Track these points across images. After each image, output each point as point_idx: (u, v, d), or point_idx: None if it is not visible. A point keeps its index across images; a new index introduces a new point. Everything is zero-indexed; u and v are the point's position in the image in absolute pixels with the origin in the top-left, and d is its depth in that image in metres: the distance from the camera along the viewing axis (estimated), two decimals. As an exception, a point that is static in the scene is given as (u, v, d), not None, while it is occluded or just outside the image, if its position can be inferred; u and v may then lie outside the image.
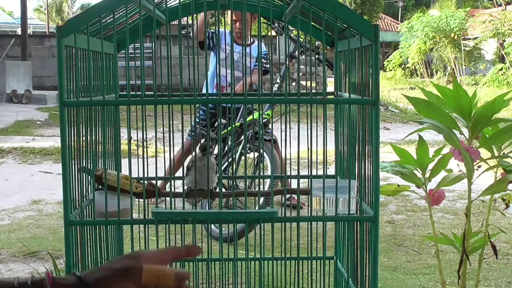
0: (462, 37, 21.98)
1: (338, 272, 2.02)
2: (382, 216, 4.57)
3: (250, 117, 3.71)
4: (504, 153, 1.92)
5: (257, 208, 3.64)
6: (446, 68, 23.15)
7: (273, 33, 4.02)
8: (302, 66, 3.29)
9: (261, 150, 3.65)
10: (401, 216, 4.72)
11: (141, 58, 1.64)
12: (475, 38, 22.12)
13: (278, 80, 3.95)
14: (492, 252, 1.99)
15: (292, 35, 3.78)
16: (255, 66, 4.25)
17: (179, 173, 2.50)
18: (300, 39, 1.83)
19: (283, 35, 2.87)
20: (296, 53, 3.29)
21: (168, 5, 1.87)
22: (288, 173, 1.96)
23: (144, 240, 1.79)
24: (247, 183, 1.92)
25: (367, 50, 1.61)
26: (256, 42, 4.27)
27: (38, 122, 10.32)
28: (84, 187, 1.68)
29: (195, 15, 2.12)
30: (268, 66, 4.27)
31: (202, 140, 4.21)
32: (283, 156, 3.18)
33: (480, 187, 1.94)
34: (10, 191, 5.40)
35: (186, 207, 2.13)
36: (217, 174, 1.87)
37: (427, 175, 1.94)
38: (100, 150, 1.78)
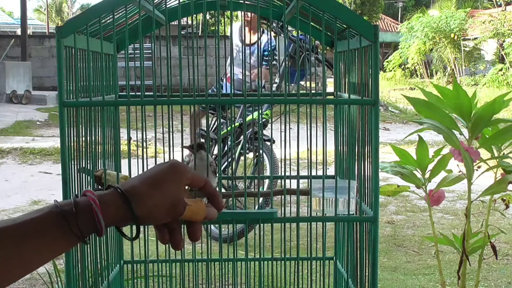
0: (462, 38, 22.00)
1: (338, 273, 2.02)
2: (382, 217, 4.57)
3: (250, 117, 3.71)
4: (504, 153, 1.91)
5: (256, 208, 3.64)
6: (446, 69, 23.16)
7: (272, 33, 4.02)
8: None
9: (260, 151, 3.65)
10: (401, 216, 4.72)
11: (141, 58, 1.64)
12: (475, 38, 22.13)
13: (277, 80, 3.95)
14: (492, 252, 1.99)
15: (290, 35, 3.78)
16: (266, 62, 4.24)
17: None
18: (300, 35, 1.83)
19: (282, 35, 2.86)
20: (296, 53, 3.29)
21: (167, 6, 1.87)
22: (288, 173, 1.96)
23: (144, 240, 1.79)
24: (247, 183, 1.92)
25: (366, 50, 1.61)
26: (264, 37, 4.25)
27: (38, 123, 10.32)
28: (84, 187, 1.68)
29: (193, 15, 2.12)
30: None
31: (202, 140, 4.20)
32: (279, 156, 3.18)
33: (480, 188, 1.94)
34: (10, 191, 5.40)
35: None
36: (217, 175, 1.86)
37: (427, 175, 1.94)
38: (99, 150, 1.77)
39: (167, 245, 1.89)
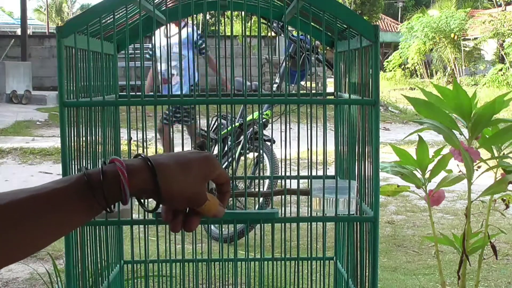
0: (462, 38, 22.00)
1: (338, 273, 2.02)
2: (382, 217, 4.57)
3: (250, 117, 3.71)
4: (504, 153, 1.92)
5: (257, 208, 3.65)
6: (446, 69, 23.16)
7: (273, 33, 4.02)
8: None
9: (261, 151, 3.65)
10: (401, 216, 4.72)
11: (141, 58, 1.64)
12: (475, 38, 22.14)
13: (277, 80, 3.95)
14: (492, 252, 1.99)
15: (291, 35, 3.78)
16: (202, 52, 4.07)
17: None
18: (300, 35, 1.83)
19: (282, 35, 2.86)
20: (296, 53, 3.29)
21: (168, 6, 1.87)
22: (288, 173, 1.96)
23: (144, 240, 1.79)
24: (247, 183, 1.92)
25: (367, 50, 1.61)
26: (185, 30, 3.94)
27: (38, 123, 10.32)
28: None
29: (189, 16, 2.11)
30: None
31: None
32: (279, 157, 3.17)
33: (480, 188, 1.94)
34: (10, 191, 5.39)
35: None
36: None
37: (427, 175, 1.94)
38: (100, 150, 1.77)
39: (167, 245, 1.89)
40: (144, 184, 0.79)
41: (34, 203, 0.74)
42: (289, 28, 3.17)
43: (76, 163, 1.60)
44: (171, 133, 1.93)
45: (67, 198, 0.76)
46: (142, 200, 0.85)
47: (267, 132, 4.25)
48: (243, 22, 2.17)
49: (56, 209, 0.75)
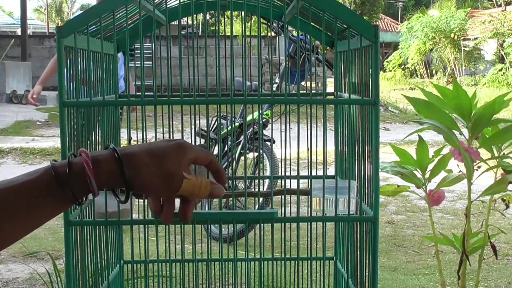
0: (462, 38, 22.01)
1: (338, 273, 2.02)
2: (382, 217, 4.57)
3: (250, 117, 3.71)
4: (504, 153, 1.92)
5: (256, 208, 3.65)
6: (446, 69, 23.17)
7: (273, 33, 4.02)
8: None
9: (261, 151, 3.65)
10: (401, 216, 4.72)
11: (141, 58, 1.64)
12: (475, 38, 22.14)
13: (277, 80, 3.95)
14: (492, 252, 1.99)
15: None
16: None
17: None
18: (300, 35, 1.83)
19: (282, 35, 2.86)
20: (296, 53, 3.30)
21: (168, 6, 1.87)
22: (288, 173, 1.96)
23: (144, 240, 1.79)
24: (247, 183, 1.92)
25: (367, 50, 1.61)
26: None
27: (38, 123, 10.32)
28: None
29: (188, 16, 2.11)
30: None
31: (202, 141, 4.20)
32: (279, 157, 3.17)
33: (480, 188, 1.94)
34: (10, 191, 5.39)
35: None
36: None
37: (427, 175, 1.94)
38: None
39: (167, 245, 1.89)
40: (111, 174, 0.78)
41: (4, 196, 0.74)
42: (289, 28, 3.17)
43: (76, 163, 1.60)
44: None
45: (36, 191, 0.75)
46: (117, 191, 0.84)
47: (267, 132, 4.25)
48: (243, 22, 2.17)
49: (26, 202, 0.75)
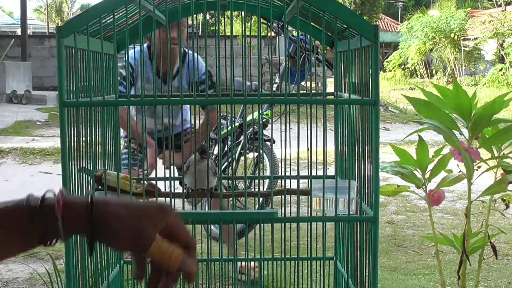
0: (462, 38, 22.00)
1: (338, 273, 2.02)
2: (382, 217, 4.57)
3: (250, 117, 3.70)
4: (504, 153, 1.92)
5: (256, 208, 3.64)
6: (446, 69, 23.16)
7: (273, 33, 4.02)
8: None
9: (261, 151, 3.65)
10: (401, 216, 4.72)
11: (141, 58, 1.64)
12: (475, 38, 22.14)
13: (277, 80, 3.95)
14: (492, 252, 1.99)
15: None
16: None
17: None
18: (300, 35, 1.83)
19: (282, 35, 2.86)
20: (296, 53, 3.29)
21: (167, 6, 1.87)
22: (288, 173, 1.96)
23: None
24: (247, 183, 1.92)
25: (367, 50, 1.61)
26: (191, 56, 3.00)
27: (38, 123, 10.32)
28: (84, 187, 1.68)
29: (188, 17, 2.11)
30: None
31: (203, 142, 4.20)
32: (279, 156, 3.16)
33: (480, 188, 1.94)
34: (10, 191, 5.40)
35: (186, 207, 2.13)
36: (216, 175, 1.87)
37: (427, 175, 1.94)
38: (100, 150, 1.77)
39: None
40: (80, 215, 0.74)
41: None
42: (289, 28, 3.17)
43: (76, 163, 1.60)
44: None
45: (8, 222, 0.72)
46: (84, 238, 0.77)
47: (267, 132, 4.24)
48: (243, 22, 2.16)
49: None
